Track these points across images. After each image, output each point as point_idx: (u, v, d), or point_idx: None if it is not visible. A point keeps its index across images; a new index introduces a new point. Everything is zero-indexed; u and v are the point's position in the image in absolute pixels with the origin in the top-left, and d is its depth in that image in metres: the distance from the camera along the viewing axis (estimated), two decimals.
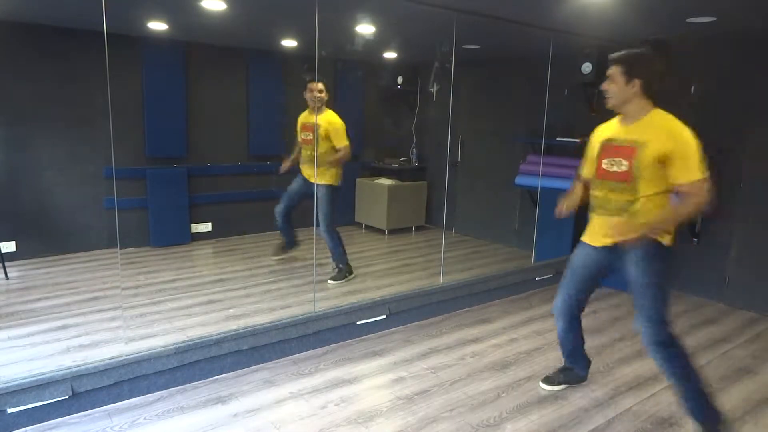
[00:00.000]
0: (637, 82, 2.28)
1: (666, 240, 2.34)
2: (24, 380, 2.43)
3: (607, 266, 2.57)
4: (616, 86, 2.33)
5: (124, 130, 5.02)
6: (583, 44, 4.72)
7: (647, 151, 2.25)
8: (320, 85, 4.18)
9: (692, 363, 2.42)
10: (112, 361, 2.65)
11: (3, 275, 4.31)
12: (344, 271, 4.51)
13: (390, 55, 6.14)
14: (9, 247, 4.63)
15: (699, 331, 3.85)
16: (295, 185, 4.55)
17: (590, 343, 3.54)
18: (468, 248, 5.88)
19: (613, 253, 2.47)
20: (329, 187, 4.31)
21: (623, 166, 2.32)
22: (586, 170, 2.63)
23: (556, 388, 2.95)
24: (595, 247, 2.55)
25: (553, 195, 5.06)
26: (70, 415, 2.58)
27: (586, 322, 3.92)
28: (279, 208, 4.61)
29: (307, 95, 4.26)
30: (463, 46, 4.90)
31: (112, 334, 3.31)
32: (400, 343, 3.53)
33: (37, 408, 2.49)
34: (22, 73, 4.59)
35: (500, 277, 4.44)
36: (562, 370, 3.00)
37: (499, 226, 6.08)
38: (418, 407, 2.75)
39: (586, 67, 4.83)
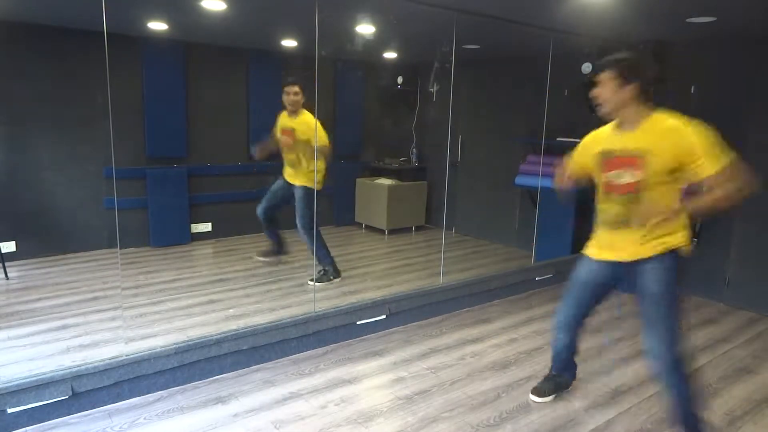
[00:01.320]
0: (630, 87, 2.16)
1: (684, 247, 2.23)
2: (24, 380, 2.43)
3: (613, 282, 2.47)
4: (608, 92, 2.20)
5: (124, 130, 5.01)
6: (583, 44, 4.72)
7: (656, 160, 2.13)
8: (296, 88, 4.19)
9: (695, 382, 2.33)
10: (112, 361, 2.65)
11: (3, 275, 4.31)
12: (329, 274, 4.46)
13: (390, 55, 6.14)
14: (9, 247, 4.63)
15: (699, 331, 3.85)
16: (276, 185, 4.51)
17: (590, 343, 3.55)
18: (468, 248, 5.88)
19: (620, 267, 2.36)
20: (305, 188, 4.27)
21: (630, 177, 2.21)
22: (574, 171, 2.55)
23: (547, 399, 2.84)
24: (599, 262, 2.45)
25: (554, 195, 5.08)
26: (70, 415, 2.58)
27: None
28: (259, 209, 4.55)
29: (284, 98, 4.25)
30: (463, 46, 4.90)
31: (112, 334, 3.31)
32: (400, 343, 3.53)
33: (37, 408, 2.49)
34: (22, 73, 4.59)
35: (500, 277, 4.44)
36: (551, 378, 2.88)
37: (499, 226, 6.08)
38: (418, 407, 2.75)
39: (586, 67, 4.84)
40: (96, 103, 4.75)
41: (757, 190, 2.09)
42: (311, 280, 4.38)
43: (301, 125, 4.23)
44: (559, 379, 2.89)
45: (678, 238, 2.22)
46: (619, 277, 2.43)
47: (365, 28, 4.56)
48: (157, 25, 4.49)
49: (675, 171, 2.14)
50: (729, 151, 2.06)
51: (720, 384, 3.08)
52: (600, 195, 2.40)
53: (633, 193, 2.23)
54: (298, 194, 4.32)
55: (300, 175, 4.30)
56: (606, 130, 2.39)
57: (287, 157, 4.38)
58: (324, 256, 4.45)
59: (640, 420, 2.69)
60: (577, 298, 2.58)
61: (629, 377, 3.12)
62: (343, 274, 4.61)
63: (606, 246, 2.41)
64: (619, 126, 2.30)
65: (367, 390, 2.92)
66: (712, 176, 2.05)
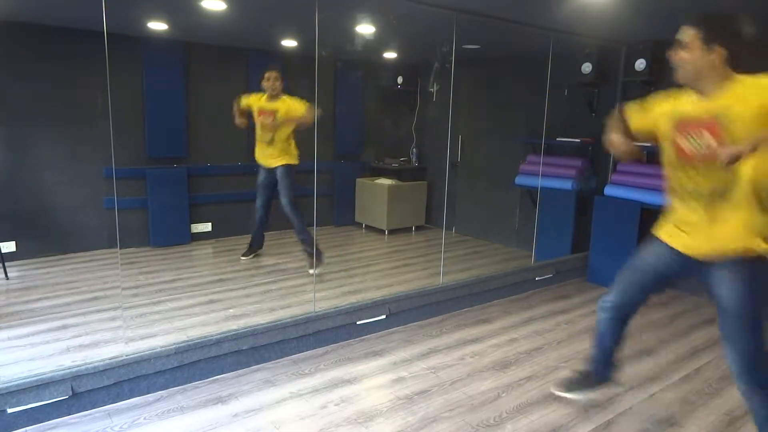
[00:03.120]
0: (719, 51, 1.83)
1: None
2: (24, 380, 2.43)
3: (681, 275, 2.18)
4: (691, 55, 1.87)
5: (124, 130, 5.02)
6: (583, 44, 4.72)
7: (737, 113, 1.81)
8: (275, 73, 4.49)
9: None
10: (112, 361, 2.65)
11: (3, 275, 4.31)
12: (321, 255, 4.59)
13: (390, 55, 6.14)
14: (9, 247, 4.63)
15: (699, 331, 3.85)
16: (260, 178, 4.80)
17: (590, 343, 3.54)
18: (468, 248, 5.88)
19: (695, 263, 2.06)
20: (287, 165, 4.61)
21: (710, 141, 1.89)
22: (636, 122, 2.21)
23: (570, 395, 2.73)
24: (671, 249, 2.14)
25: (554, 195, 5.10)
26: (70, 415, 2.58)
27: (586, 322, 3.95)
28: (259, 202, 4.89)
29: (264, 84, 4.51)
30: (463, 46, 4.90)
31: (112, 334, 3.31)
32: (400, 343, 3.53)
33: (37, 408, 2.49)
34: (22, 73, 4.59)
35: (500, 277, 4.44)
36: (583, 374, 2.72)
37: (499, 226, 6.08)
38: (418, 407, 2.75)
39: (586, 67, 4.84)
40: (96, 103, 4.75)
41: None
42: (311, 268, 4.46)
43: (283, 105, 4.53)
44: (589, 377, 2.67)
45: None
46: (685, 272, 2.14)
47: (365, 28, 4.56)
48: (157, 25, 4.49)
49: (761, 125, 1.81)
50: None
51: (720, 384, 3.08)
52: (673, 165, 2.08)
53: (711, 161, 1.90)
54: (280, 173, 4.60)
55: (278, 154, 4.60)
56: (687, 96, 2.05)
57: (264, 136, 4.63)
58: (307, 237, 4.59)
59: (640, 420, 2.69)
60: (631, 283, 2.33)
61: (629, 377, 3.12)
62: (343, 274, 4.61)
63: (677, 229, 2.11)
64: (701, 96, 1.97)
65: (367, 390, 2.92)
66: None
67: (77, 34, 4.61)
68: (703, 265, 2.05)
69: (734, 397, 2.94)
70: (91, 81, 4.73)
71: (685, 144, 1.99)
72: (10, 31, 4.46)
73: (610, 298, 2.44)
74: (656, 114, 2.14)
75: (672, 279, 2.24)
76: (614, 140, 2.15)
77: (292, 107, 4.52)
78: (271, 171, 4.67)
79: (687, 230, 2.06)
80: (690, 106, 2.00)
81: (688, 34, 1.90)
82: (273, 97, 4.54)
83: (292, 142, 4.65)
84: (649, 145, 2.28)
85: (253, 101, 4.67)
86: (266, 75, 4.52)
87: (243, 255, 5.05)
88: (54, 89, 4.74)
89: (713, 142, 1.89)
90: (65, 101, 4.80)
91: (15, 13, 4.18)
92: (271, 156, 4.64)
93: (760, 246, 1.90)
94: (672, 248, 2.13)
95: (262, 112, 4.61)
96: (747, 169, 1.86)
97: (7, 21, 4.39)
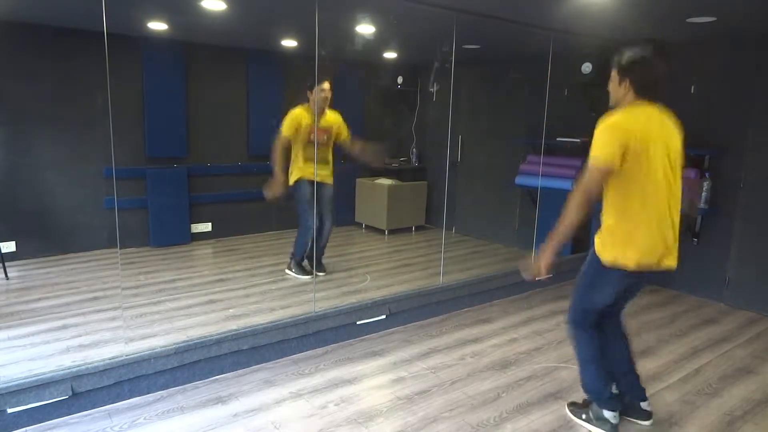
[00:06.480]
0: (627, 82, 2.32)
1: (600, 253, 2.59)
2: (24, 380, 2.43)
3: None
4: (612, 86, 2.40)
5: (124, 130, 5.02)
6: (583, 44, 4.72)
7: None
8: (329, 85, 4.17)
9: (596, 350, 2.60)
10: (112, 361, 2.65)
11: (3, 275, 4.31)
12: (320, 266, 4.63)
13: (390, 55, 6.14)
14: (9, 247, 4.63)
15: (699, 331, 3.85)
16: (308, 193, 4.29)
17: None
18: (468, 248, 5.88)
19: None
20: (332, 186, 4.49)
21: None
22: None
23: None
24: None
25: (553, 195, 5.09)
26: (70, 415, 2.58)
27: None
28: (310, 222, 4.28)
29: (318, 96, 4.12)
30: (463, 46, 4.90)
31: (112, 334, 3.31)
32: (400, 343, 3.53)
33: (37, 408, 2.49)
34: (22, 73, 4.59)
35: (500, 277, 4.44)
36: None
37: (499, 226, 6.08)
38: (418, 407, 2.75)
39: (586, 67, 4.84)
40: (96, 103, 4.75)
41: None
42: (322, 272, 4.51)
43: (335, 121, 4.39)
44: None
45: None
46: None
47: (365, 28, 4.56)
48: (157, 25, 4.49)
49: None
50: (595, 160, 2.38)
51: (720, 384, 3.08)
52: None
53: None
54: (331, 193, 4.46)
55: (329, 172, 4.44)
56: None
57: (321, 154, 4.24)
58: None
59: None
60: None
61: None
62: (343, 274, 4.61)
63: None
64: None
65: (367, 390, 2.92)
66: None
67: (77, 34, 4.61)
68: None
69: (734, 396, 2.95)
70: (91, 81, 4.73)
71: None
72: (10, 31, 4.46)
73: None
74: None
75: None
76: None
77: (343, 128, 4.44)
78: (318, 186, 4.30)
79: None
80: None
81: (612, 71, 2.40)
82: (322, 110, 4.16)
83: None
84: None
85: (298, 118, 4.21)
86: (323, 86, 4.07)
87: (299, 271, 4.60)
88: (54, 89, 4.74)
89: None
90: (65, 101, 4.80)
91: (15, 13, 4.18)
92: (324, 174, 4.36)
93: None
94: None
95: (315, 130, 4.21)
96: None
97: (7, 21, 4.38)
